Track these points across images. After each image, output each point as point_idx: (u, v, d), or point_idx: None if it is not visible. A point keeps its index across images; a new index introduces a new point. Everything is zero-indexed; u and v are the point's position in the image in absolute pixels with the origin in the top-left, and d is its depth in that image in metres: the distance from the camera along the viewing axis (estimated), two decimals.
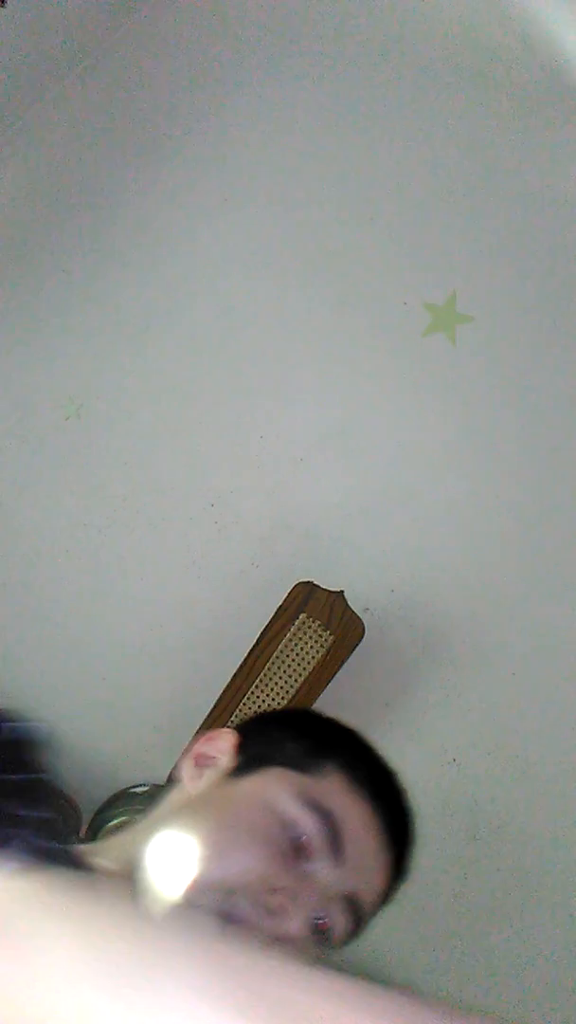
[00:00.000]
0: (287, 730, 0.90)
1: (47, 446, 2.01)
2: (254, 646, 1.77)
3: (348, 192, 1.96)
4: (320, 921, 0.79)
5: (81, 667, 1.99)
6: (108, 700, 1.96)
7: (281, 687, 1.75)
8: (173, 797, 0.87)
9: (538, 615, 1.92)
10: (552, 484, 1.92)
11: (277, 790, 0.80)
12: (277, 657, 1.76)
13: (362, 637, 1.78)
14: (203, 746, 0.89)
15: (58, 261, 2.01)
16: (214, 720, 1.71)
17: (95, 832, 1.81)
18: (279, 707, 1.75)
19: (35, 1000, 0.47)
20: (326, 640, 1.77)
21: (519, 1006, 1.88)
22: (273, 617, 1.78)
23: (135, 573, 1.98)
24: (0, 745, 0.70)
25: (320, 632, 1.77)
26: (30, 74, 1.90)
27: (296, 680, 1.76)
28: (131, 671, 1.95)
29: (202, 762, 0.88)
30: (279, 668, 1.76)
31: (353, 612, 1.79)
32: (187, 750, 0.90)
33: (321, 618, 1.77)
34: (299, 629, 1.77)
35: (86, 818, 1.84)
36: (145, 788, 1.81)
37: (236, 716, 1.73)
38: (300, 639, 1.77)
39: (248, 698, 1.74)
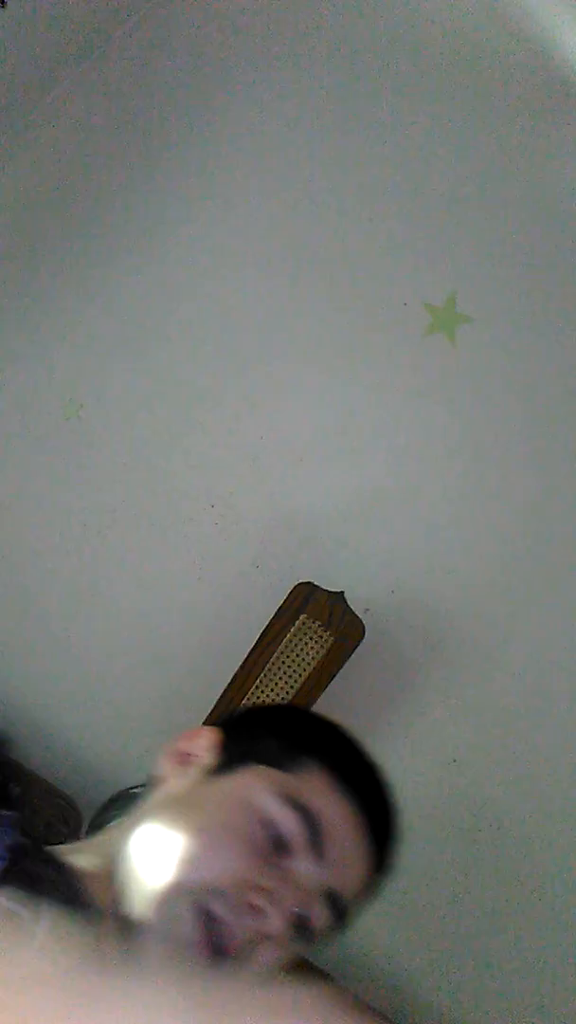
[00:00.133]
0: (268, 727, 0.90)
1: (47, 446, 2.01)
2: (254, 646, 1.77)
3: (348, 193, 1.96)
4: (302, 917, 0.79)
5: (81, 667, 1.99)
6: (108, 700, 1.96)
7: (281, 687, 1.75)
8: (155, 795, 0.87)
9: (538, 615, 1.92)
10: (552, 484, 1.92)
11: (258, 788, 0.81)
12: (277, 657, 1.76)
13: (362, 638, 1.78)
14: (185, 744, 0.89)
15: (58, 262, 2.01)
16: (214, 721, 1.71)
17: (95, 833, 1.81)
18: (264, 701, 1.75)
19: None
20: (326, 641, 1.77)
21: (519, 1006, 1.88)
22: (273, 618, 1.78)
23: (135, 574, 1.98)
24: None
25: (320, 633, 1.77)
26: (30, 74, 1.90)
27: (296, 680, 1.76)
28: (131, 671, 1.95)
29: (184, 760, 0.88)
30: (279, 668, 1.76)
31: (353, 613, 1.79)
32: (169, 747, 0.90)
33: (321, 619, 1.77)
34: (299, 630, 1.77)
35: (86, 818, 1.84)
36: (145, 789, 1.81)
37: None
38: (300, 640, 1.77)
39: (249, 698, 1.74)
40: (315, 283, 1.96)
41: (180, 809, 0.82)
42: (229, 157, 1.97)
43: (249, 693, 1.75)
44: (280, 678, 1.76)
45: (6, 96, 1.90)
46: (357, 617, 1.79)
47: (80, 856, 0.81)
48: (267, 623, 1.78)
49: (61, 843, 0.87)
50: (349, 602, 1.79)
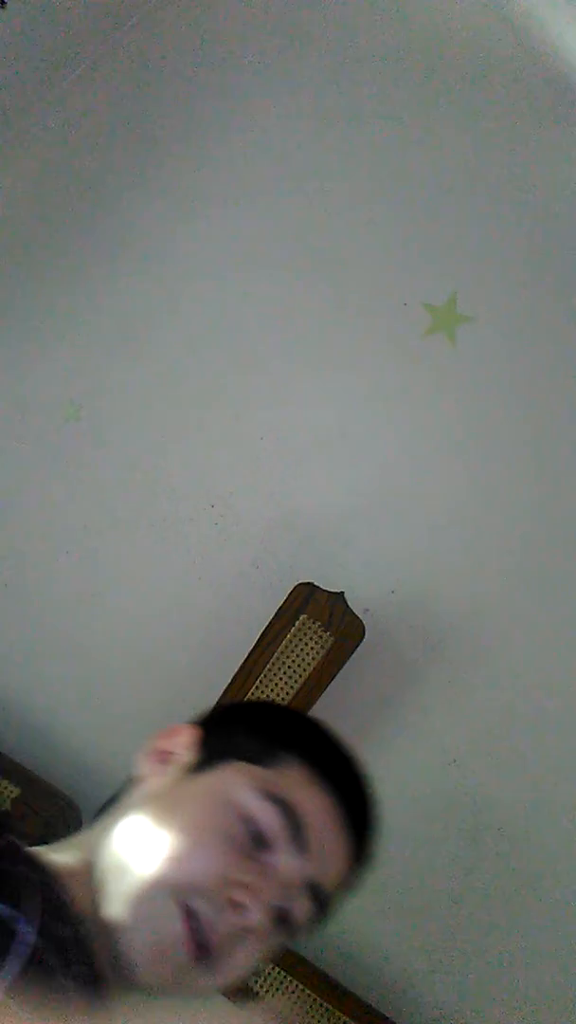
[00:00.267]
0: (246, 723, 0.91)
1: (47, 447, 2.01)
2: (254, 647, 1.77)
3: (348, 192, 1.95)
4: (283, 910, 0.80)
5: (81, 667, 1.99)
6: (108, 700, 1.96)
7: (281, 688, 1.75)
8: (135, 794, 0.87)
9: (538, 615, 1.92)
10: (552, 484, 1.92)
11: (237, 784, 0.82)
12: (277, 658, 1.76)
13: (362, 638, 1.78)
14: (163, 742, 0.90)
15: (58, 262, 2.01)
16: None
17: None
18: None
19: None
20: (326, 641, 1.77)
21: (519, 1006, 1.88)
22: (273, 618, 1.78)
23: (135, 574, 1.98)
24: None
25: (320, 633, 1.77)
26: (30, 75, 1.90)
27: (296, 681, 1.76)
28: (131, 672, 1.95)
29: (163, 758, 0.89)
30: (279, 669, 1.76)
31: (353, 613, 1.78)
32: (148, 745, 0.90)
33: (321, 619, 1.77)
34: (299, 630, 1.77)
35: (87, 818, 1.84)
36: None
37: None
38: (300, 640, 1.77)
39: (249, 699, 1.74)
40: (315, 283, 1.96)
41: (160, 807, 0.83)
42: (229, 157, 1.97)
43: (249, 694, 1.75)
44: (280, 678, 1.76)
45: (6, 96, 1.90)
46: (357, 617, 1.79)
47: (61, 855, 0.82)
48: (267, 623, 1.78)
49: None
50: (349, 602, 1.79)
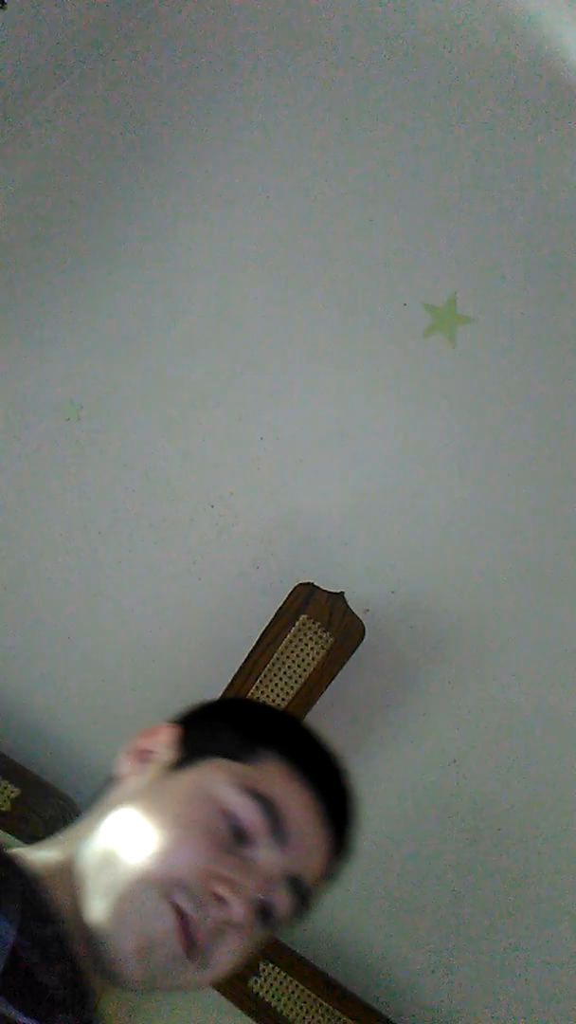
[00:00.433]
0: (225, 720, 0.92)
1: (47, 447, 2.01)
2: (254, 647, 1.77)
3: (348, 193, 1.95)
4: (265, 903, 0.81)
5: (81, 667, 1.99)
6: (108, 701, 1.96)
7: (281, 688, 1.75)
8: (116, 793, 0.88)
9: (538, 616, 1.92)
10: (552, 485, 1.92)
11: (217, 780, 0.83)
12: (277, 658, 1.76)
13: (362, 638, 1.78)
14: (143, 741, 0.91)
15: (58, 262, 2.01)
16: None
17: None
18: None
19: None
20: (326, 641, 1.77)
21: (519, 1007, 1.88)
22: (273, 618, 1.78)
23: (135, 575, 1.99)
24: None
25: (320, 633, 1.77)
26: (30, 75, 1.90)
27: (296, 681, 1.76)
28: (131, 672, 1.95)
29: (143, 757, 0.89)
30: (279, 669, 1.76)
31: (353, 613, 1.78)
32: (128, 745, 0.91)
33: (321, 619, 1.77)
34: (299, 630, 1.77)
35: None
36: None
37: None
38: (300, 640, 1.77)
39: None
40: (315, 283, 1.96)
41: (141, 805, 0.83)
42: (229, 157, 1.97)
43: (249, 694, 1.75)
44: (280, 679, 1.76)
45: (6, 96, 1.90)
46: (357, 618, 1.79)
47: (44, 855, 0.83)
48: (267, 623, 1.78)
49: None
50: (349, 603, 1.79)
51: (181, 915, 0.76)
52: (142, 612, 1.98)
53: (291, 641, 1.77)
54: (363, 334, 1.95)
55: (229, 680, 1.76)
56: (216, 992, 1.75)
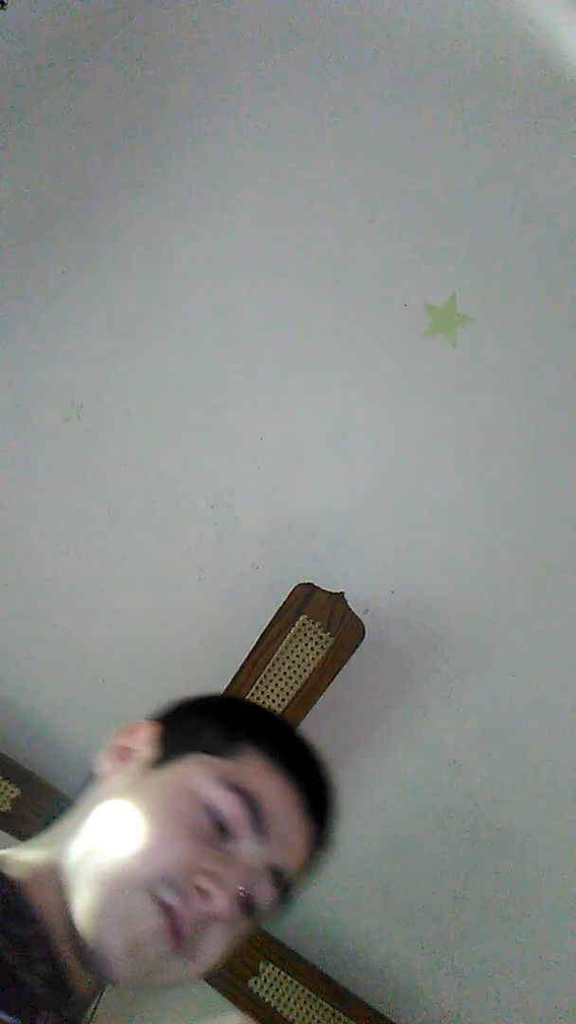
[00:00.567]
0: (204, 717, 0.93)
1: (47, 447, 2.01)
2: (254, 647, 1.77)
3: (348, 193, 1.95)
4: (248, 896, 0.82)
5: (81, 667, 1.99)
6: (108, 701, 1.96)
7: (281, 688, 1.75)
8: (97, 791, 0.89)
9: (538, 615, 1.92)
10: (552, 485, 1.92)
11: (198, 776, 0.84)
12: (278, 658, 1.76)
13: (362, 638, 1.78)
14: (122, 739, 0.92)
15: (58, 263, 2.01)
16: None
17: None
18: (264, 702, 1.75)
19: None
20: (326, 641, 1.77)
21: (519, 1008, 1.88)
22: (273, 618, 1.78)
23: (135, 575, 1.99)
24: None
25: (320, 633, 1.77)
26: (30, 76, 1.90)
27: (296, 681, 1.76)
28: (131, 673, 1.95)
29: (123, 755, 0.90)
30: (279, 669, 1.76)
31: (353, 613, 1.78)
32: (108, 744, 0.92)
33: (321, 619, 1.77)
34: (299, 630, 1.77)
35: None
36: None
37: None
38: (300, 640, 1.77)
39: (249, 699, 1.74)
40: (315, 284, 1.96)
41: (123, 802, 0.84)
42: (229, 158, 1.97)
43: (249, 694, 1.75)
44: (280, 679, 1.76)
45: (6, 96, 1.90)
46: (357, 618, 1.79)
47: (25, 855, 0.83)
48: (267, 623, 1.78)
49: None
50: (349, 603, 1.79)
51: (168, 910, 0.77)
52: (142, 612, 1.98)
53: (291, 641, 1.77)
54: (363, 334, 1.95)
55: (229, 680, 1.76)
56: (216, 992, 1.75)
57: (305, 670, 1.76)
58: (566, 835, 1.89)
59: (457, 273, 1.91)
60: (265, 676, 1.76)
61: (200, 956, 0.80)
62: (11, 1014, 0.69)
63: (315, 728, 1.70)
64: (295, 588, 1.79)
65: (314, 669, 1.76)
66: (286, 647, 1.76)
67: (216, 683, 1.75)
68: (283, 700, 1.75)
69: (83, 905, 0.79)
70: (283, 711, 1.74)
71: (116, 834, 0.81)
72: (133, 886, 0.78)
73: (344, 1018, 1.78)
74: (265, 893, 0.84)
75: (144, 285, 2.00)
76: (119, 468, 2.00)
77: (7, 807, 1.84)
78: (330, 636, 1.77)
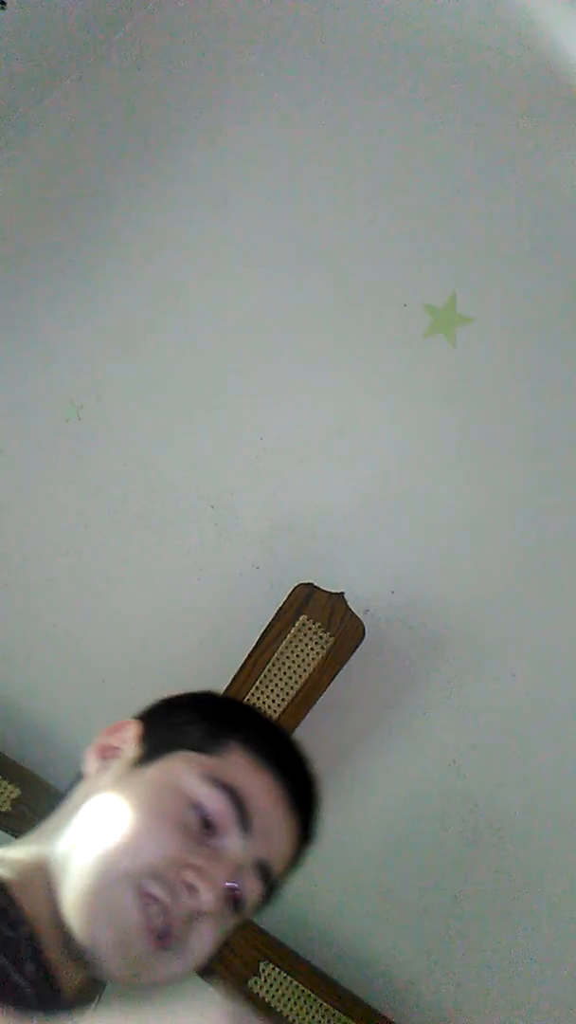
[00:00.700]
0: (188, 714, 0.94)
1: (47, 447, 2.01)
2: (254, 648, 1.77)
3: (348, 193, 1.95)
4: (234, 890, 0.83)
5: (81, 667, 1.99)
6: (108, 701, 1.96)
7: (281, 689, 1.75)
8: (83, 790, 0.89)
9: (538, 616, 1.92)
10: (552, 485, 1.92)
11: (182, 773, 0.85)
12: (277, 659, 1.76)
13: (362, 638, 1.78)
14: (106, 738, 0.93)
15: (58, 262, 2.00)
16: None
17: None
18: (264, 702, 1.75)
19: None
20: (326, 641, 1.77)
21: (519, 1008, 1.88)
22: (273, 618, 1.78)
23: (135, 575, 1.98)
24: None
25: (320, 633, 1.77)
26: (30, 76, 1.90)
27: (296, 682, 1.76)
28: (131, 672, 1.95)
29: (107, 754, 0.91)
30: (279, 670, 1.76)
31: (353, 613, 1.78)
32: (93, 743, 0.93)
33: (321, 619, 1.77)
34: (299, 631, 1.77)
35: None
36: None
37: None
38: (300, 641, 1.77)
39: (248, 700, 1.74)
40: (315, 284, 1.96)
41: (110, 800, 0.85)
42: (229, 157, 1.97)
43: (249, 694, 1.75)
44: (280, 679, 1.76)
45: (6, 96, 1.90)
46: (357, 618, 1.79)
47: (12, 855, 0.84)
48: (267, 624, 1.78)
49: None
50: (349, 603, 1.79)
51: (154, 904, 0.78)
52: (142, 612, 1.98)
53: (291, 641, 1.77)
54: (363, 334, 1.95)
55: (229, 680, 1.76)
56: (216, 992, 1.75)
57: (305, 670, 1.76)
58: (566, 835, 1.89)
59: (457, 273, 1.91)
60: (265, 676, 1.76)
61: (188, 951, 0.81)
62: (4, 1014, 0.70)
63: (315, 728, 1.70)
64: (295, 588, 1.79)
65: (314, 669, 1.76)
66: (286, 647, 1.76)
67: (216, 683, 1.75)
68: (283, 700, 1.75)
69: (71, 900, 0.79)
70: (283, 711, 1.74)
71: (103, 830, 0.82)
72: (120, 880, 0.79)
73: (344, 1018, 1.78)
74: (251, 888, 0.85)
75: (144, 285, 2.00)
76: (119, 468, 2.00)
77: (7, 807, 1.84)
78: (330, 636, 1.77)
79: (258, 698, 1.75)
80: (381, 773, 1.93)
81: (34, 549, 2.02)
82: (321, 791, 0.93)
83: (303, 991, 1.78)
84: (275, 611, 1.78)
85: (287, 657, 1.76)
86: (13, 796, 1.85)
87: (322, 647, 1.77)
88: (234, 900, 0.84)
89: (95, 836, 0.82)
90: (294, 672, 1.76)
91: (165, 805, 0.83)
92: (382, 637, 1.88)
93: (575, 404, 1.91)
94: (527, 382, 1.92)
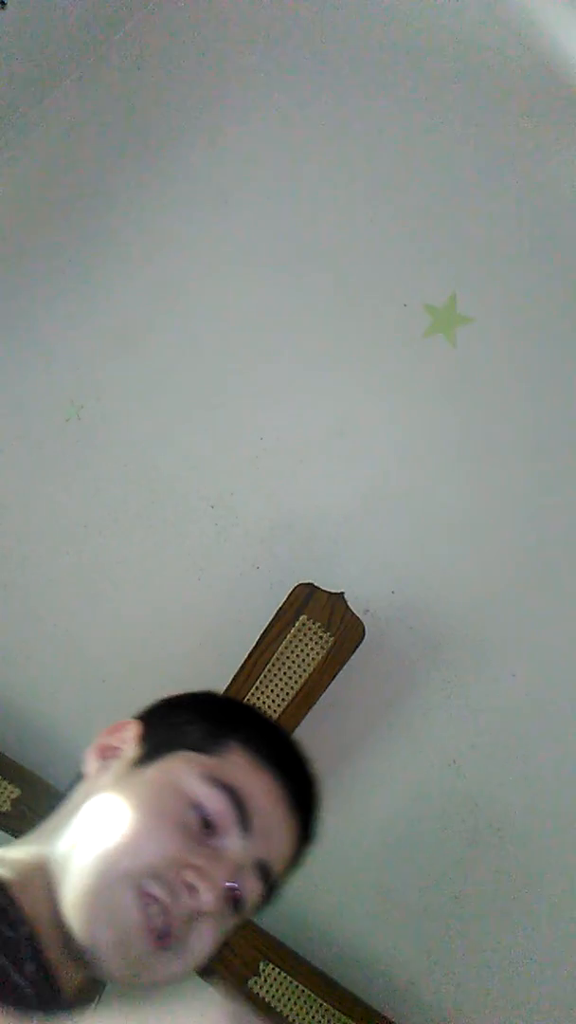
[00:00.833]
0: (187, 714, 0.94)
1: (47, 447, 2.01)
2: (254, 648, 1.77)
3: (348, 193, 1.95)
4: (234, 890, 0.83)
5: (81, 668, 1.99)
6: (108, 701, 1.96)
7: (281, 689, 1.75)
8: (83, 790, 0.90)
9: (538, 616, 1.92)
10: (552, 485, 1.92)
11: (182, 773, 0.85)
12: (277, 659, 1.76)
13: (362, 638, 1.78)
14: (106, 738, 0.93)
15: (57, 262, 2.01)
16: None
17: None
18: (264, 702, 1.75)
19: None
20: (326, 641, 1.77)
21: (519, 1008, 1.88)
22: (273, 619, 1.78)
23: (135, 575, 1.98)
24: None
25: (320, 633, 1.77)
26: (30, 76, 1.90)
27: (296, 682, 1.76)
28: (131, 672, 1.95)
29: (107, 754, 0.92)
30: (279, 670, 1.76)
31: (353, 613, 1.78)
32: (93, 743, 0.93)
33: (321, 619, 1.77)
34: (299, 631, 1.77)
35: None
36: None
37: None
38: (300, 641, 1.77)
39: (248, 700, 1.74)
40: (315, 284, 1.96)
41: (109, 800, 0.85)
42: (228, 158, 1.97)
43: (249, 694, 1.75)
44: (280, 679, 1.76)
45: (6, 96, 1.90)
46: (357, 618, 1.79)
47: (12, 856, 0.84)
48: (267, 624, 1.78)
49: None
50: (349, 603, 1.79)
51: (154, 903, 0.78)
52: (142, 612, 1.98)
53: (291, 641, 1.77)
54: (363, 334, 1.95)
55: (229, 680, 1.76)
56: (216, 992, 1.75)
57: (305, 670, 1.76)
58: (566, 835, 1.89)
59: (457, 273, 1.91)
60: (265, 676, 1.76)
61: (188, 951, 0.81)
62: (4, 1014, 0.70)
63: (315, 728, 1.70)
64: (295, 588, 1.79)
65: (314, 669, 1.76)
66: (286, 647, 1.76)
67: (216, 683, 1.75)
68: (283, 700, 1.75)
69: (71, 900, 0.79)
70: (283, 711, 1.74)
71: (103, 830, 0.82)
72: (120, 880, 0.79)
73: (344, 1018, 1.78)
74: (251, 888, 0.85)
75: (144, 285, 2.00)
76: (119, 468, 1.99)
77: (7, 807, 1.84)
78: (330, 636, 1.77)
79: (258, 698, 1.75)
80: (381, 773, 1.93)
81: (34, 549, 2.02)
82: (321, 791, 0.93)
83: (303, 991, 1.78)
84: (275, 611, 1.78)
85: (287, 657, 1.76)
86: (13, 796, 1.85)
87: (322, 647, 1.77)
88: (234, 900, 0.84)
89: (95, 836, 0.82)
90: (294, 672, 1.76)
91: (165, 805, 0.83)
92: (382, 637, 1.88)
93: (575, 404, 1.91)
94: (527, 382, 1.92)
